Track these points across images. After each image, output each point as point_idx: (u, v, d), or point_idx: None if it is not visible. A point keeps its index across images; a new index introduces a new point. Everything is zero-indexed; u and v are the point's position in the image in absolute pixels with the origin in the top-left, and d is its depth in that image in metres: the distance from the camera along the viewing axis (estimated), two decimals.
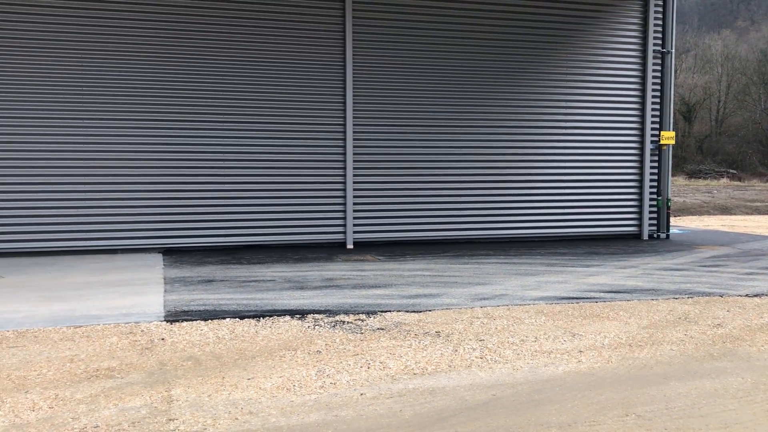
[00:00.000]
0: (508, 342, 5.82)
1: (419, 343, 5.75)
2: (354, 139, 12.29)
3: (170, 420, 4.06)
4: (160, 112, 11.40)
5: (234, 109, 11.75)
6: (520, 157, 13.38)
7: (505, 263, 10.38)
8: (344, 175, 12.31)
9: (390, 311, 6.91)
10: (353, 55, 12.14)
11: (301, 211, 12.20)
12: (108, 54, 11.10)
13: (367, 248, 12.12)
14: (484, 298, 7.61)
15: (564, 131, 13.60)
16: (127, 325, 6.19)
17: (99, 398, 4.40)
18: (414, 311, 6.93)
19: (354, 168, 12.33)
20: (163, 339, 5.79)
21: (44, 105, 10.87)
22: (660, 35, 14.09)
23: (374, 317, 6.66)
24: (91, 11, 10.97)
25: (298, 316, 6.65)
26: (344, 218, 12.36)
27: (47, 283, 8.46)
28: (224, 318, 6.52)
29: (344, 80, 12.16)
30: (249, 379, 4.83)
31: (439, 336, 5.97)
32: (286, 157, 12.07)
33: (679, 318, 6.78)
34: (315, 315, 6.71)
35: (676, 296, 7.87)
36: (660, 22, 14.06)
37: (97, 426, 3.96)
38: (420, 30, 12.59)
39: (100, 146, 11.15)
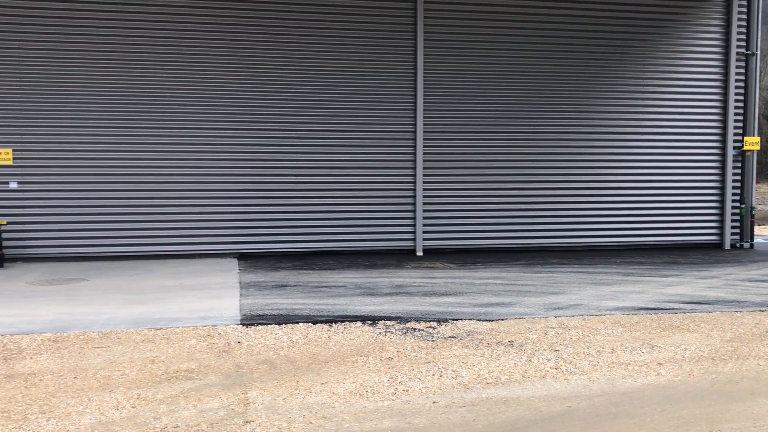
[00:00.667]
0: (583, 353, 5.69)
1: (492, 352, 5.69)
2: (424, 145, 12.29)
3: (247, 422, 4.15)
4: (235, 123, 11.70)
5: (306, 118, 11.94)
6: (594, 163, 13.09)
7: (579, 272, 10.17)
8: (414, 182, 12.33)
9: (461, 319, 6.86)
10: (424, 59, 12.16)
11: (371, 218, 12.28)
12: (187, 68, 11.47)
13: (436, 255, 12.09)
14: (559, 308, 7.46)
15: (641, 136, 13.23)
16: (204, 328, 6.36)
17: (179, 399, 4.53)
18: (486, 320, 6.86)
19: (424, 175, 12.33)
20: (239, 342, 5.92)
21: (130, 118, 11.32)
22: (744, 36, 13.54)
23: (445, 325, 6.63)
24: (170, 23, 11.37)
25: (369, 322, 6.69)
26: (414, 225, 12.37)
27: (129, 286, 8.78)
28: (298, 323, 6.62)
29: (414, 84, 12.19)
30: (323, 383, 4.88)
31: (512, 345, 5.89)
32: (357, 164, 12.18)
33: (767, 332, 6.48)
34: (386, 321, 6.72)
35: (763, 308, 7.52)
36: (744, 23, 13.52)
37: (177, 426, 4.08)
38: (492, 34, 12.50)
39: (179, 157, 11.52)
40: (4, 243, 10.62)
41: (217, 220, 11.74)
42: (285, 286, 8.80)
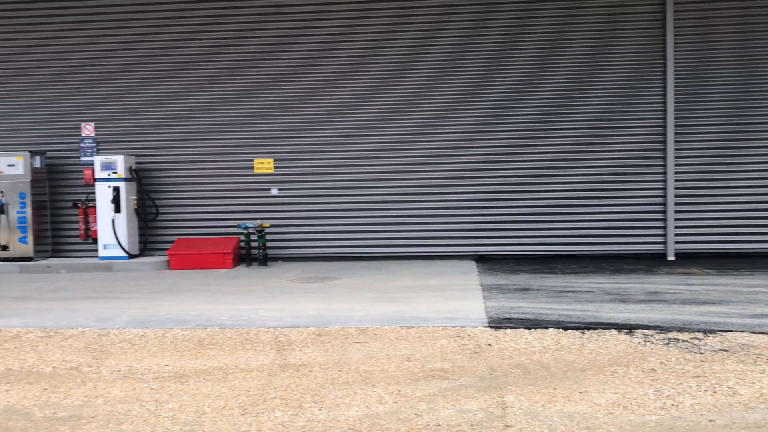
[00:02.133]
0: None
1: None
2: (676, 141, 11.37)
3: (507, 426, 4.08)
4: (471, 124, 11.78)
5: (543, 117, 11.66)
6: None
7: None
8: (664, 181, 11.47)
9: (731, 331, 6.20)
10: (674, 54, 11.27)
11: (615, 219, 11.64)
12: (425, 72, 11.79)
13: (689, 260, 11.12)
14: None
15: None
16: (453, 329, 6.42)
17: (437, 398, 4.60)
18: (762, 332, 6.13)
19: (675, 174, 11.41)
20: (489, 344, 5.89)
21: (370, 124, 11.92)
22: None
23: (713, 336, 6.03)
24: (423, 30, 11.77)
25: (625, 330, 6.30)
26: (664, 227, 11.50)
27: (377, 285, 9.20)
28: (547, 328, 6.43)
29: (664, 80, 11.34)
30: (581, 392, 4.66)
31: None
32: (599, 163, 11.63)
33: None
34: (644, 330, 6.29)
35: None
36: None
37: (439, 425, 4.13)
38: (751, 23, 11.24)
39: (420, 161, 11.87)
40: (268, 244, 11.69)
41: (455, 222, 11.90)
42: (528, 289, 8.64)
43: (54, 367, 5.53)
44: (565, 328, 6.39)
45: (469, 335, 6.21)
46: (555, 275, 9.82)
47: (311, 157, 12.03)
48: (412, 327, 6.54)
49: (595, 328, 6.37)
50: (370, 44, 11.86)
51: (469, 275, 9.97)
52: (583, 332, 6.26)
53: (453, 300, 7.96)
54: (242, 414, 4.39)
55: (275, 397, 4.67)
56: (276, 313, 7.42)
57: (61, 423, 4.30)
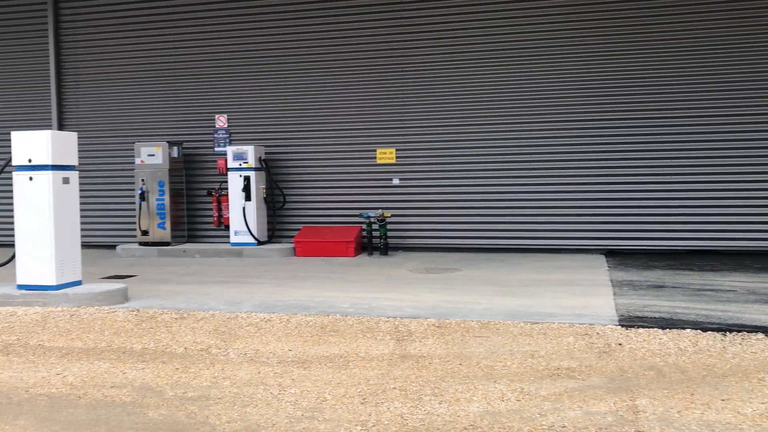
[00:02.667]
0: None
1: None
2: None
3: None
4: (602, 115, 11.24)
5: (684, 102, 10.93)
6: None
7: None
8: None
9: None
10: None
11: (760, 213, 10.75)
12: (549, 61, 11.38)
13: None
14: None
15: None
16: (581, 326, 6.14)
17: (562, 398, 4.38)
18: None
19: None
20: (620, 344, 5.57)
21: (499, 113, 11.65)
22: None
23: None
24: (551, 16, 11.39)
25: None
26: None
27: (498, 278, 8.99)
28: (684, 328, 6.00)
29: None
30: (723, 400, 4.29)
31: None
32: (743, 153, 10.76)
33: None
34: None
35: None
36: None
37: (564, 426, 3.93)
38: None
39: (546, 151, 11.49)
40: (388, 233, 11.74)
41: (583, 214, 11.42)
42: (662, 286, 8.13)
43: (185, 348, 5.78)
44: (704, 330, 5.94)
45: (597, 333, 5.91)
46: (692, 272, 9.20)
47: (433, 147, 11.95)
48: (537, 323, 6.31)
49: (739, 331, 5.87)
50: (498, 30, 11.59)
51: (598, 270, 9.53)
52: (724, 334, 5.79)
53: (580, 296, 7.62)
54: (362, 403, 4.37)
55: (395, 388, 4.63)
56: (396, 302, 7.41)
57: (191, 402, 4.46)
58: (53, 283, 7.43)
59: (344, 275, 9.55)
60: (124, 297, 7.68)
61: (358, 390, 4.62)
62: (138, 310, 7.19)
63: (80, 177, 13.50)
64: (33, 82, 13.63)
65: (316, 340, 5.94)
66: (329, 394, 4.55)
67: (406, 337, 5.94)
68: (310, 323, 6.50)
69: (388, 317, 6.62)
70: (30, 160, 7.41)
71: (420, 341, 5.80)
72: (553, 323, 6.26)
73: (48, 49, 13.39)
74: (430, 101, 11.93)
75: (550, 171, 11.51)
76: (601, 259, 10.61)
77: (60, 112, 13.50)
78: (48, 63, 13.43)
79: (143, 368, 5.24)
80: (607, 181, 11.31)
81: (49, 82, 13.45)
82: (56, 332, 6.36)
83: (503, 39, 11.57)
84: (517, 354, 5.35)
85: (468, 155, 11.81)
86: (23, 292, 7.49)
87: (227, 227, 12.54)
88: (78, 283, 7.81)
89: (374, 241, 11.71)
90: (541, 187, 11.54)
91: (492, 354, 5.38)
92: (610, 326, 6.11)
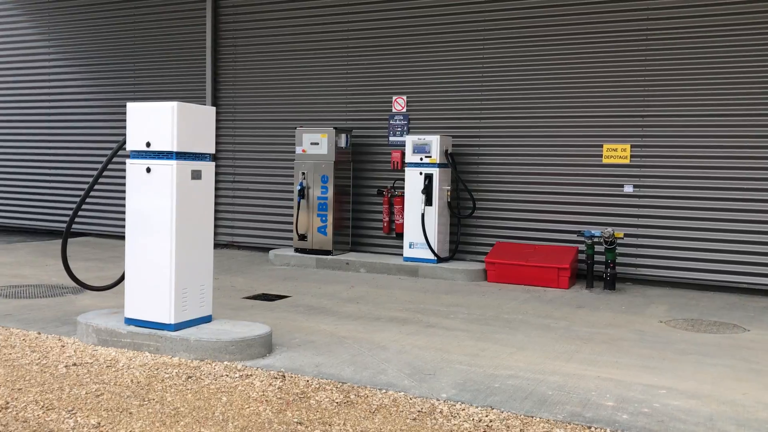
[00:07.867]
0: None
1: None
2: None
3: None
4: None
5: None
6: None
7: None
8: None
9: None
10: None
11: None
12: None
13: None
14: None
15: None
16: None
17: None
18: None
19: None
20: None
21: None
22: None
23: None
24: None
25: None
26: None
27: None
28: None
29: None
30: None
31: None
32: None
33: None
34: None
35: None
36: None
37: None
38: None
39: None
40: (618, 259, 8.68)
41: None
42: None
43: None
44: None
45: None
46: None
47: (686, 145, 8.72)
48: None
49: None
50: None
51: None
52: None
53: None
54: None
55: None
56: (693, 401, 4.46)
57: None
58: (170, 321, 5.21)
59: (570, 324, 6.68)
60: (266, 348, 5.31)
61: None
62: (284, 377, 4.77)
63: (231, 166, 11.56)
64: (189, 55, 11.84)
65: None
66: None
67: None
68: None
69: None
70: (149, 144, 5.21)
71: None
72: None
73: (205, 24, 11.53)
74: (683, 81, 8.70)
75: None
76: None
77: (215, 89, 11.62)
78: (204, 36, 11.57)
79: None
80: None
81: (204, 55, 11.61)
82: (157, 416, 4.05)
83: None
84: None
85: (745, 157, 8.47)
86: (132, 329, 5.34)
87: (399, 235, 10.07)
88: (207, 319, 5.56)
89: (595, 269, 8.71)
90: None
91: None
92: None
